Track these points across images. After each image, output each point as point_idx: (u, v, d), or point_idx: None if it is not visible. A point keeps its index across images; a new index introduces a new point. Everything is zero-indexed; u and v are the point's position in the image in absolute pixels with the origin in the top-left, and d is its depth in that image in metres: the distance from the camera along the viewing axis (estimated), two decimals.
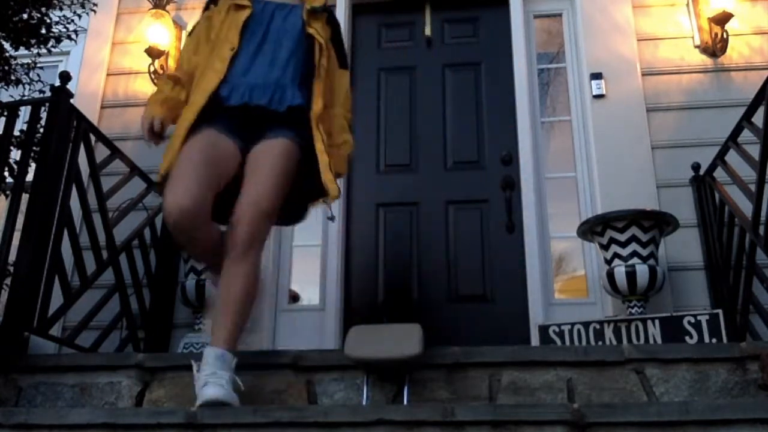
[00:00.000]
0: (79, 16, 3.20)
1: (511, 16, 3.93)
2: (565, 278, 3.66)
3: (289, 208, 2.29)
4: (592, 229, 3.13)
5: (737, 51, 3.67)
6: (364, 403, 2.12)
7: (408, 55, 4.05)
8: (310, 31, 2.36)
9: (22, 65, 3.03)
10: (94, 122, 3.49)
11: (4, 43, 2.84)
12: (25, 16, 2.88)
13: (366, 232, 3.70)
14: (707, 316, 2.76)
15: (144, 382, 2.27)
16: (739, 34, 3.68)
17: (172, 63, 3.97)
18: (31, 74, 3.06)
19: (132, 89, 4.03)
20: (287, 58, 2.32)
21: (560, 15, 4.01)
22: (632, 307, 3.01)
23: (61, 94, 2.69)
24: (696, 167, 3.38)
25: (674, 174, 3.45)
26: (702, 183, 3.34)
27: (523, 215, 3.55)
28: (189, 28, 2.60)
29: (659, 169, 3.48)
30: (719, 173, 3.14)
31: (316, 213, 3.68)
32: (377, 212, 3.74)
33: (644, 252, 2.99)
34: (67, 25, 3.09)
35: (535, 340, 3.18)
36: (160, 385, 2.25)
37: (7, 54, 2.88)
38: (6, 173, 2.68)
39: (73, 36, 3.13)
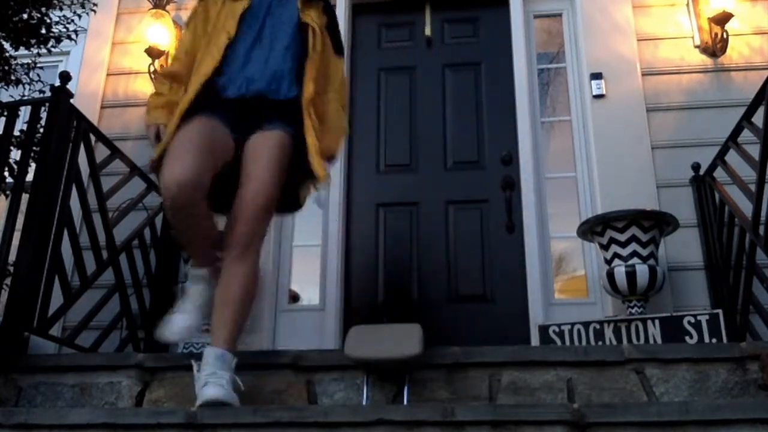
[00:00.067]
0: (79, 16, 3.20)
1: (511, 16, 3.94)
2: (565, 278, 3.66)
3: (285, 196, 2.28)
4: (592, 229, 3.13)
5: (737, 51, 3.67)
6: (364, 403, 2.12)
7: (408, 55, 4.05)
8: (305, 18, 2.37)
9: (22, 65, 3.03)
10: (94, 122, 3.49)
11: (4, 43, 2.84)
12: (25, 16, 2.88)
13: (366, 232, 3.70)
14: (707, 316, 2.75)
15: (144, 382, 2.27)
16: (739, 34, 3.68)
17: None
18: (31, 74, 3.06)
19: (132, 89, 4.03)
20: (284, 50, 2.32)
21: (560, 15, 4.01)
22: (632, 307, 3.01)
23: (61, 94, 2.69)
24: (696, 167, 3.38)
25: (674, 174, 3.45)
26: (702, 183, 3.34)
27: (523, 215, 3.55)
28: (185, 19, 2.60)
29: (659, 169, 3.48)
30: (719, 173, 3.14)
31: (316, 214, 3.72)
32: (377, 212, 3.74)
33: (644, 252, 2.99)
34: (67, 25, 3.09)
35: (535, 340, 3.18)
36: (160, 385, 2.25)
37: (7, 54, 2.88)
38: (6, 173, 2.68)
39: (73, 36, 3.13)
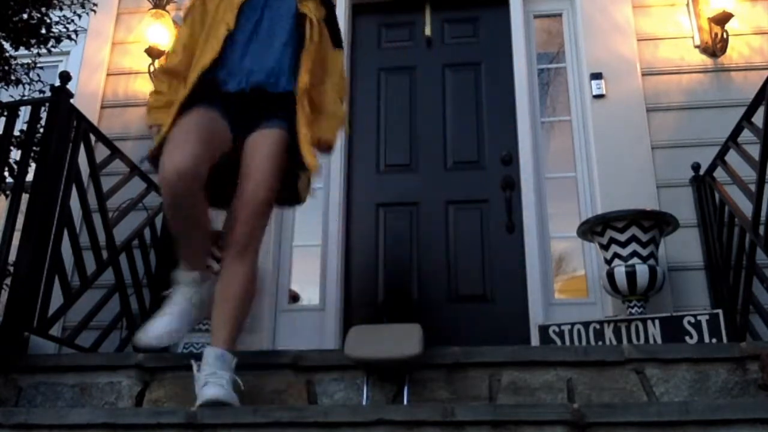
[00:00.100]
0: (79, 16, 3.19)
1: (511, 16, 3.94)
2: (565, 278, 3.66)
3: (283, 188, 2.27)
4: (592, 229, 3.13)
5: (737, 51, 3.67)
6: (364, 403, 2.12)
7: (408, 55, 4.05)
8: (303, 9, 2.37)
9: (22, 65, 3.03)
10: (94, 122, 3.49)
11: (4, 43, 2.84)
12: (25, 16, 2.88)
13: (366, 232, 3.71)
14: (707, 316, 2.75)
15: (144, 382, 2.27)
16: (739, 34, 3.68)
17: None
18: (31, 74, 3.06)
19: (132, 89, 4.03)
20: (282, 43, 2.31)
21: (560, 15, 4.01)
22: (632, 307, 3.01)
23: (61, 94, 2.69)
24: (696, 167, 3.38)
25: (674, 174, 3.45)
26: (702, 183, 3.34)
27: (523, 215, 3.55)
28: (182, 13, 2.59)
29: (659, 169, 3.48)
30: (719, 173, 3.14)
31: (316, 215, 3.72)
32: (377, 212, 3.74)
33: (644, 252, 2.99)
34: (67, 25, 3.09)
35: (535, 340, 3.18)
36: (160, 385, 2.25)
37: (7, 54, 2.88)
38: (6, 173, 2.68)
39: (73, 36, 3.13)
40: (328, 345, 3.33)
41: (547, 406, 1.92)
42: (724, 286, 3.08)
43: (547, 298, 3.45)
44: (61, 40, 3.09)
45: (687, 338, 2.75)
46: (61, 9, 3.11)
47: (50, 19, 2.99)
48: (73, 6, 3.22)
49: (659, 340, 2.78)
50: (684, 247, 3.31)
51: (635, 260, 2.98)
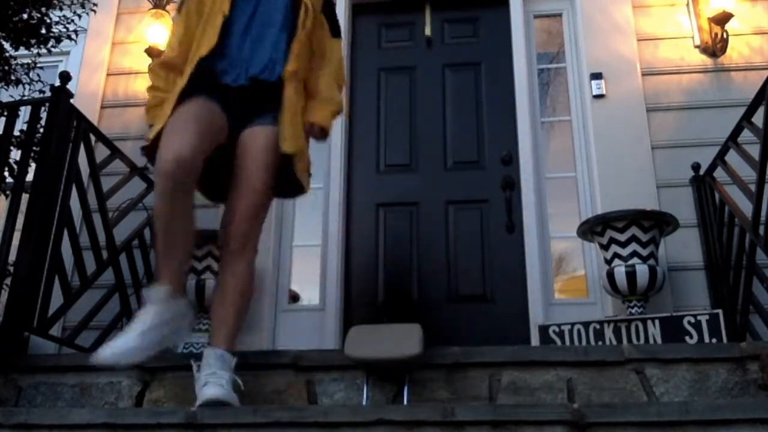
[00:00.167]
0: (79, 16, 3.20)
1: (511, 16, 3.94)
2: (565, 278, 3.66)
3: (281, 181, 2.25)
4: (592, 229, 3.13)
5: (737, 51, 3.67)
6: (364, 403, 2.12)
7: (408, 55, 4.05)
8: None
9: (22, 65, 3.03)
10: (94, 122, 3.49)
11: (4, 43, 2.84)
12: (25, 16, 2.88)
13: (366, 232, 3.70)
14: (707, 316, 2.75)
15: (144, 382, 2.27)
16: (739, 34, 3.68)
17: None
18: (31, 74, 3.07)
19: (132, 89, 4.03)
20: (278, 32, 2.30)
21: (560, 15, 4.01)
22: (632, 307, 3.01)
23: (61, 94, 2.69)
24: (696, 167, 3.38)
25: (674, 174, 3.45)
26: (702, 183, 3.34)
27: (523, 215, 3.55)
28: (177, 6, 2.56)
29: (659, 169, 3.48)
30: (719, 173, 3.14)
31: (316, 215, 3.72)
32: (377, 212, 3.74)
33: (644, 252, 2.99)
34: (67, 25, 3.09)
35: (535, 340, 3.18)
36: (160, 385, 2.25)
37: (7, 54, 2.88)
38: (6, 173, 2.68)
39: (73, 36, 3.13)
40: (328, 345, 3.33)
41: (547, 406, 1.92)
42: (724, 286, 3.08)
43: (547, 298, 3.45)
44: (61, 40, 3.10)
45: (687, 338, 2.75)
46: (61, 9, 3.11)
47: (50, 19, 2.99)
48: (73, 6, 3.22)
49: (659, 340, 2.78)
50: (684, 247, 3.31)
51: (635, 260, 2.98)
